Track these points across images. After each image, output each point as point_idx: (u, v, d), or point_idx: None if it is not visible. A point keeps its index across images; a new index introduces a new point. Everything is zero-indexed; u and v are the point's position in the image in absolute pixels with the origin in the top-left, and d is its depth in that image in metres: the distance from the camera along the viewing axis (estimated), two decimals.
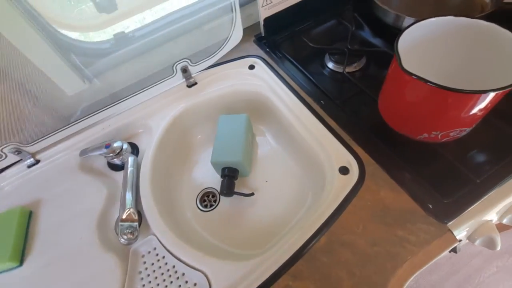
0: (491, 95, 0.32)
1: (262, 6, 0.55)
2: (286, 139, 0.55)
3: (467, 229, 0.37)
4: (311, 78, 0.54)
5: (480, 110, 0.34)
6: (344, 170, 0.41)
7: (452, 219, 0.36)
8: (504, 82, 0.32)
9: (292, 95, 0.51)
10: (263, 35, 0.61)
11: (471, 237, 0.40)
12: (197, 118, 0.59)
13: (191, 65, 0.56)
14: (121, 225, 0.43)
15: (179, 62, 0.54)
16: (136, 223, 0.44)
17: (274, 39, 0.62)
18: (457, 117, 0.35)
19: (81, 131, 0.54)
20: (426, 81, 0.32)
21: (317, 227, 0.36)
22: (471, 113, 0.34)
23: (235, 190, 0.52)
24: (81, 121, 0.53)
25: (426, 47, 0.41)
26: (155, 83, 0.55)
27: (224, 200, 0.54)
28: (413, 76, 0.33)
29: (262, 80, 0.56)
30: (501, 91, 0.31)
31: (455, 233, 0.36)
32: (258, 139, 0.61)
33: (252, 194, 0.53)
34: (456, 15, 0.38)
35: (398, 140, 0.43)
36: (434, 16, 0.39)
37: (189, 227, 0.50)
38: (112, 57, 0.53)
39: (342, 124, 0.46)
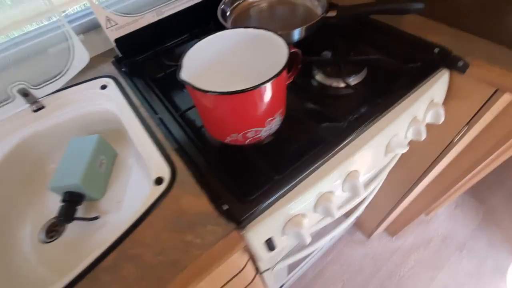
0: (255, 92, 0.34)
1: (107, 28, 0.56)
2: (138, 157, 0.54)
3: (269, 225, 0.38)
4: (159, 94, 0.55)
5: (255, 108, 0.36)
6: (158, 181, 0.41)
7: (247, 218, 0.36)
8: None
9: (132, 113, 0.51)
10: (120, 56, 0.62)
11: (284, 232, 0.41)
12: (48, 145, 0.57)
13: (32, 88, 0.54)
14: None
15: (13, 85, 0.52)
16: None
17: (134, 60, 0.63)
18: (242, 117, 0.37)
19: None
20: (196, 88, 0.34)
21: (108, 245, 0.34)
22: (251, 112, 0.36)
23: (80, 215, 0.50)
24: None
25: (218, 58, 0.43)
26: None
27: (71, 228, 0.51)
28: (188, 85, 0.34)
29: (113, 100, 0.56)
30: (259, 87, 0.33)
31: (252, 231, 0.36)
32: (123, 157, 0.59)
33: (97, 217, 0.50)
34: (237, 26, 0.42)
35: (214, 146, 0.44)
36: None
37: (22, 265, 0.46)
38: None
39: (171, 136, 0.46)
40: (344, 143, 0.43)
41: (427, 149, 0.71)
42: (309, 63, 0.56)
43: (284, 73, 0.37)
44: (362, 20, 0.63)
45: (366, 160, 0.46)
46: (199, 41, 0.41)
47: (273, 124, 0.41)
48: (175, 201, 0.38)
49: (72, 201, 0.49)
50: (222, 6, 0.62)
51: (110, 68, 0.61)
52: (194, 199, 0.38)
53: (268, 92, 0.35)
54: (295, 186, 0.40)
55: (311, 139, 0.45)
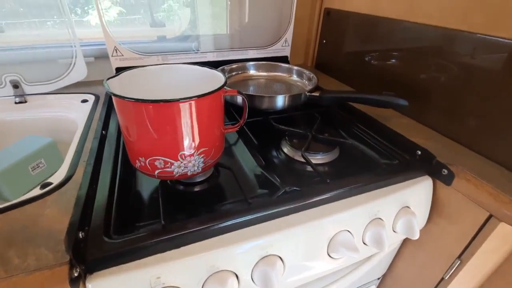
0: (159, 107, 0.31)
1: (112, 56, 0.63)
2: None
3: (130, 284, 0.28)
4: None
5: (160, 130, 0.32)
6: (44, 186, 0.36)
7: (101, 261, 0.28)
8: None
9: (83, 124, 0.51)
10: None
11: None
12: (11, 135, 0.57)
13: (24, 83, 0.59)
14: None
15: (9, 74, 0.57)
16: None
17: None
18: (146, 136, 0.33)
19: None
20: (108, 90, 0.32)
21: None
22: (155, 132, 0.32)
23: None
24: None
25: (160, 87, 0.42)
26: None
27: None
28: (115, 95, 0.32)
29: (83, 113, 0.57)
30: (159, 103, 0.30)
31: (100, 282, 0.27)
32: None
33: None
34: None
35: (129, 173, 0.39)
36: None
37: None
38: None
39: (97, 150, 0.43)
40: (266, 213, 0.35)
41: (415, 282, 0.55)
42: (282, 132, 0.53)
43: (211, 108, 0.34)
44: (348, 108, 0.61)
45: (296, 249, 0.36)
46: (148, 66, 0.41)
47: (190, 162, 0.35)
48: (38, 210, 0.32)
49: None
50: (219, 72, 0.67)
51: (103, 89, 0.66)
52: (58, 214, 0.31)
53: (179, 116, 0.32)
54: (184, 245, 0.31)
55: (235, 200, 0.38)
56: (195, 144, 0.34)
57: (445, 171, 0.43)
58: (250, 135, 0.53)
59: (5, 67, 0.58)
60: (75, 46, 0.60)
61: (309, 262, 0.37)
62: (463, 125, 0.48)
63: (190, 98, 0.31)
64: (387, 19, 0.59)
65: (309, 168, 0.46)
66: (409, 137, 0.50)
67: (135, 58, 0.65)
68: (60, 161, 0.56)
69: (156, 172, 0.35)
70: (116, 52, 0.63)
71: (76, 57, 0.61)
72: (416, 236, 0.41)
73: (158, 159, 0.34)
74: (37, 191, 0.35)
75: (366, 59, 0.67)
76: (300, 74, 0.71)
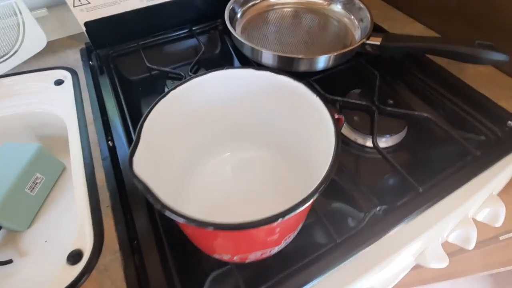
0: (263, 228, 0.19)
1: (74, 6, 0.42)
2: None
3: None
4: (124, 108, 0.41)
5: (260, 240, 0.23)
6: (74, 258, 0.27)
7: None
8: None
9: (77, 132, 0.37)
10: (91, 44, 0.48)
11: None
12: None
13: None
14: None
15: None
16: None
17: (108, 52, 0.48)
18: (239, 245, 0.24)
19: None
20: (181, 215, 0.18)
21: None
22: (253, 242, 0.23)
23: None
24: None
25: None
26: None
27: None
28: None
29: (64, 103, 0.42)
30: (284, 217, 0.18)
31: None
32: (66, 178, 0.46)
33: (9, 261, 0.37)
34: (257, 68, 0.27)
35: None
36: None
37: None
38: None
39: (115, 179, 0.33)
40: (362, 251, 0.29)
41: None
42: (332, 102, 0.42)
43: None
44: (413, 56, 0.47)
45: (388, 276, 0.32)
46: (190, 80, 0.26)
47: (285, 243, 0.27)
48: None
49: None
50: (232, 5, 0.47)
51: (76, 56, 0.48)
52: None
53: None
54: None
55: (312, 236, 0.31)
56: (294, 227, 0.26)
57: None
58: None
59: None
60: None
61: (397, 278, 0.34)
62: None
63: (293, 210, 0.18)
64: None
65: (376, 156, 0.37)
66: (495, 100, 0.40)
67: (107, 4, 0.44)
68: (58, 165, 0.46)
69: (247, 261, 0.26)
70: (79, 0, 0.42)
71: (20, 13, 0.40)
72: (498, 224, 0.38)
73: (254, 253, 0.25)
74: (68, 269, 0.26)
75: None
76: (347, 4, 0.51)
